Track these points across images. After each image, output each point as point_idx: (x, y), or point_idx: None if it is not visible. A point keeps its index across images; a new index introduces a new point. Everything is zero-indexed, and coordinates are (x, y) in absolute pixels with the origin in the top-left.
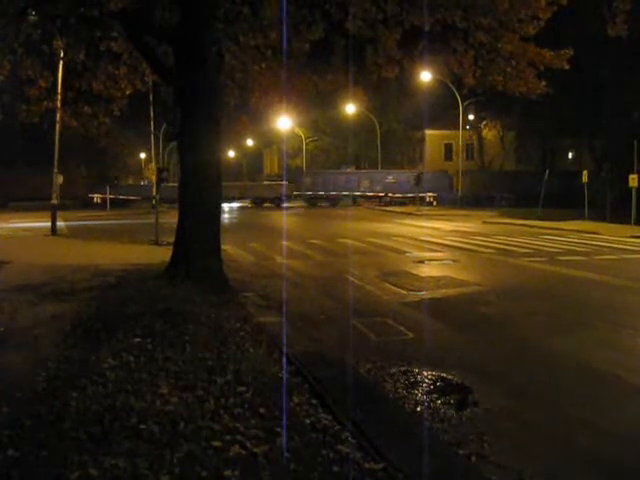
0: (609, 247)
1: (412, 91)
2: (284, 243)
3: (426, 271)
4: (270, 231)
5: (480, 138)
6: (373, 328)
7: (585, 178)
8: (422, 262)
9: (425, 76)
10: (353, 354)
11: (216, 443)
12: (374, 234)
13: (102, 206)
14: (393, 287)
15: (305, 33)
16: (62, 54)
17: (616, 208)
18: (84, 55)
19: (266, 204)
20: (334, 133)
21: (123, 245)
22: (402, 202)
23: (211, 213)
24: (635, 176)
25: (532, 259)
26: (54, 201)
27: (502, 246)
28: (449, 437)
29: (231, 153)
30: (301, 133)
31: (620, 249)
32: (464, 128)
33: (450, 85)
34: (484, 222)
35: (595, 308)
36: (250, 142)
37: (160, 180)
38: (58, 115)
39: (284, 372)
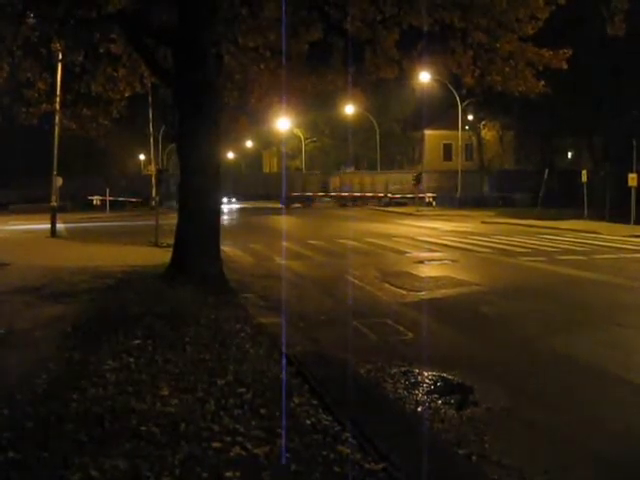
0: (608, 246)
1: (411, 91)
2: (284, 244)
3: (426, 271)
4: (269, 232)
5: (479, 138)
6: (373, 328)
7: (584, 177)
8: (422, 262)
9: (424, 76)
10: (353, 354)
11: (217, 444)
12: (373, 234)
13: (101, 208)
14: (393, 287)
15: (304, 34)
16: (61, 56)
17: (615, 207)
18: (83, 57)
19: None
20: (333, 134)
21: (123, 247)
22: (402, 202)
23: (211, 214)
24: (634, 175)
25: (531, 259)
26: (54, 203)
27: (501, 246)
28: (450, 437)
29: (230, 154)
30: (300, 134)
31: (619, 248)
32: (463, 128)
33: (449, 85)
34: (483, 222)
35: (595, 307)
36: (249, 143)
37: (159, 181)
38: (57, 117)
39: (284, 373)
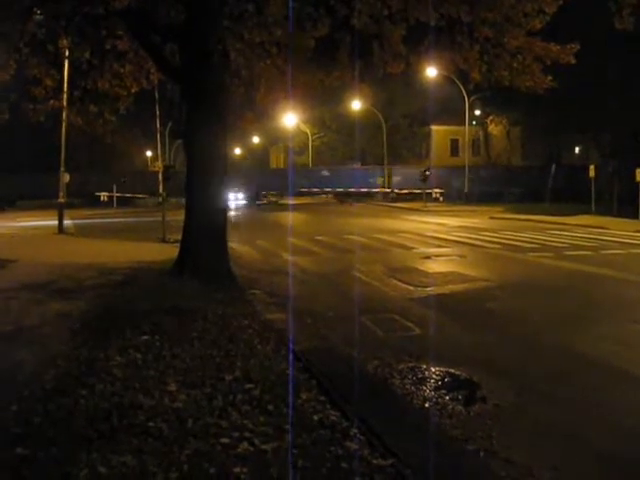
0: (616, 242)
1: (418, 87)
2: (290, 240)
3: (433, 267)
4: (276, 228)
5: (486, 133)
6: (380, 324)
7: (592, 173)
8: (429, 258)
9: (431, 72)
10: (361, 350)
11: (224, 440)
12: (380, 230)
13: (109, 204)
14: (400, 283)
15: (310, 29)
16: (67, 53)
17: (623, 203)
18: (89, 54)
19: None
20: (340, 129)
21: (130, 243)
22: (409, 198)
23: (218, 210)
24: None
25: (539, 254)
26: (61, 199)
27: (509, 241)
28: (457, 433)
29: (237, 150)
30: (307, 130)
31: (628, 244)
32: (470, 123)
33: (456, 80)
34: (491, 217)
35: (603, 303)
36: (256, 139)
37: (166, 177)
38: (64, 114)
39: (292, 369)
